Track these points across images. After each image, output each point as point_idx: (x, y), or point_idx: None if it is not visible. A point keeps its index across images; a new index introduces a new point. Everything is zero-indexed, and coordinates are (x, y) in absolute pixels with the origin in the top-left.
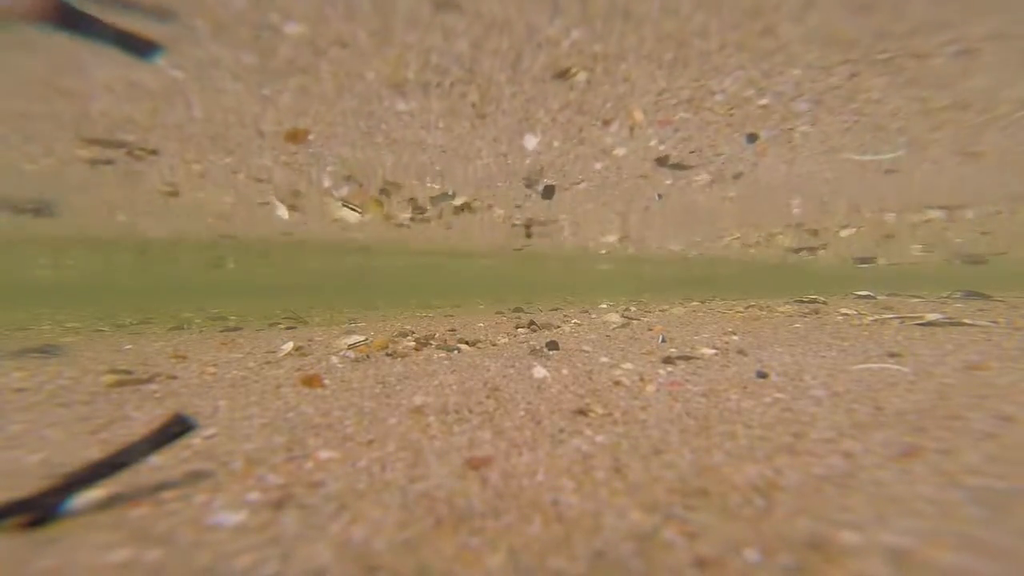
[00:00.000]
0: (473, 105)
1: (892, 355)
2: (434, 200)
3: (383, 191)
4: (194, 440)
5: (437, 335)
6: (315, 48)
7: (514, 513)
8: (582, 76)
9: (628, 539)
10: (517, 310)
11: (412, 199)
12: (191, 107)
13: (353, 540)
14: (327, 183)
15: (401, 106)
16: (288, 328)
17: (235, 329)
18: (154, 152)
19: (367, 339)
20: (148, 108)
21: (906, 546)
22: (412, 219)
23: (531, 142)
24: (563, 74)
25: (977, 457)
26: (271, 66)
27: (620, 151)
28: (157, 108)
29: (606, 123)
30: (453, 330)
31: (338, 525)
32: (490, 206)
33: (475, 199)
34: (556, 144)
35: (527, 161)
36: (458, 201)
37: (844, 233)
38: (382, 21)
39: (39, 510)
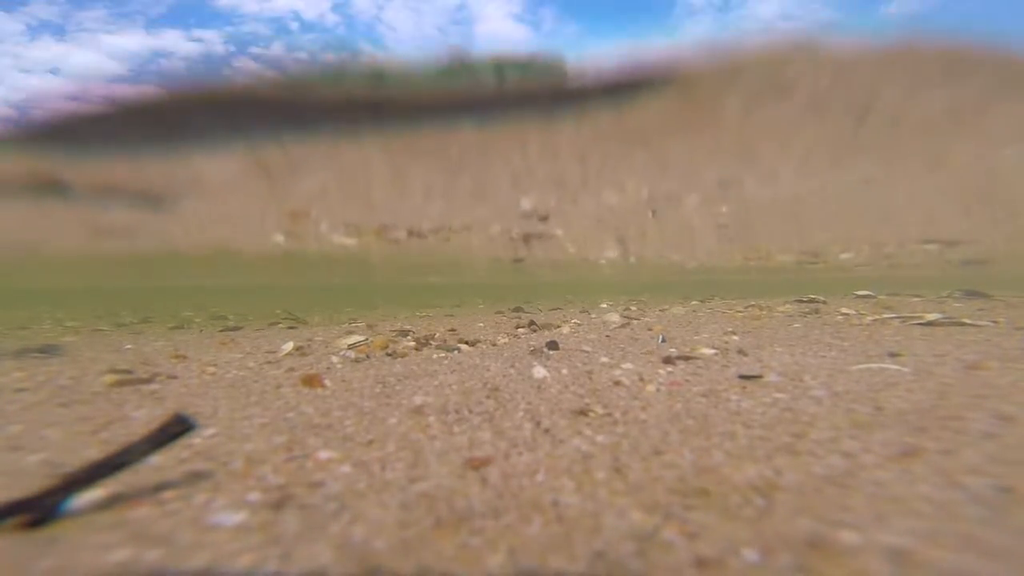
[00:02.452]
0: (469, 182)
1: (892, 355)
2: (431, 230)
3: (380, 228)
4: (194, 440)
5: (437, 335)
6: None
7: (514, 513)
8: (576, 176)
9: (628, 539)
10: (517, 310)
11: (409, 229)
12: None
13: (353, 540)
14: (323, 227)
15: (402, 199)
16: (289, 328)
17: (235, 329)
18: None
19: (367, 339)
20: None
21: (906, 546)
22: (409, 235)
23: (526, 203)
24: (559, 181)
25: (977, 457)
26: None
27: (612, 200)
28: None
29: (599, 190)
30: (453, 330)
31: (338, 525)
32: (486, 225)
33: (471, 224)
34: (551, 203)
35: (522, 211)
36: (455, 223)
37: (844, 256)
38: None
39: (39, 510)
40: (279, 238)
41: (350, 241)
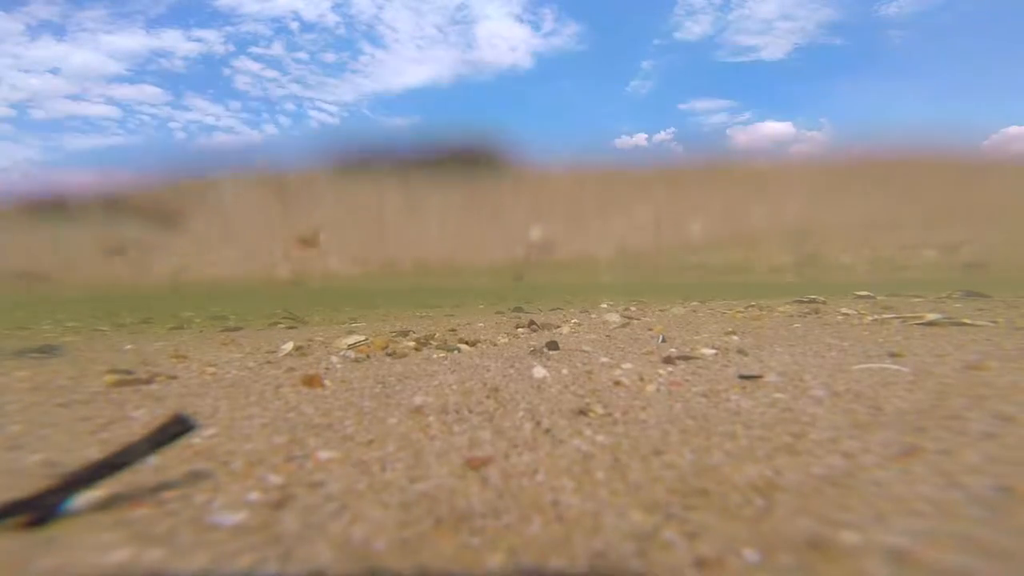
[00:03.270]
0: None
1: (892, 355)
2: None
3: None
4: (194, 440)
5: (437, 335)
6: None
7: (514, 513)
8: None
9: (628, 539)
10: (517, 309)
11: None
12: None
13: (353, 540)
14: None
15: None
16: (289, 328)
17: (235, 329)
18: None
19: (367, 339)
20: None
21: (906, 546)
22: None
23: (535, 232)
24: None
25: (977, 457)
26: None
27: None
28: None
29: (608, 215)
30: (453, 330)
31: (338, 525)
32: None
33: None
34: (558, 233)
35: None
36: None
37: (844, 259)
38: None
39: (39, 510)
40: (284, 269)
41: (355, 270)
